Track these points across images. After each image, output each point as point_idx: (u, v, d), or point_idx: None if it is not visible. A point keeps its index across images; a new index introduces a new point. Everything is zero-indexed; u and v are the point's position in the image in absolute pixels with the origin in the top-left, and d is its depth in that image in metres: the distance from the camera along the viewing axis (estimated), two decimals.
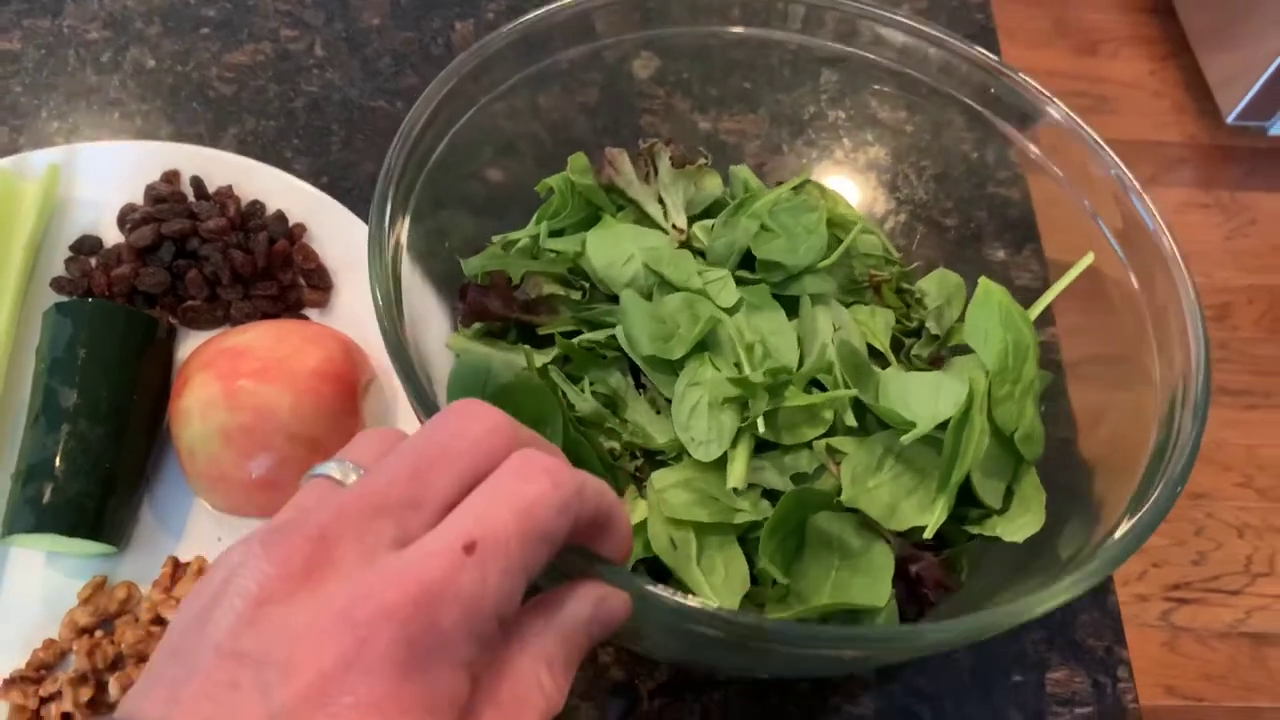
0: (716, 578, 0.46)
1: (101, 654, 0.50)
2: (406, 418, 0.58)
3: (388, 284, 0.46)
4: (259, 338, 0.55)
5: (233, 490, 0.54)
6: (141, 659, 0.50)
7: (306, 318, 0.61)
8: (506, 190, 0.60)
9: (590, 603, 0.32)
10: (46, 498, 0.50)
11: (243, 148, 0.67)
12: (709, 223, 0.56)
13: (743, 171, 0.60)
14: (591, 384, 0.51)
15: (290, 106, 0.69)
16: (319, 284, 0.61)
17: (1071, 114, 0.57)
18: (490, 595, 0.28)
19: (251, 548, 0.28)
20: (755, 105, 0.69)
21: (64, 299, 0.59)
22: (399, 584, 0.27)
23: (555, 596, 0.32)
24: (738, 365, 0.50)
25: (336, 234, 0.62)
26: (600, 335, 0.51)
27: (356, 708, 0.25)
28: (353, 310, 0.61)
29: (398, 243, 0.49)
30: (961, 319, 0.58)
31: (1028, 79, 0.59)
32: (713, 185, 0.59)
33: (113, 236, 0.62)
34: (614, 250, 0.53)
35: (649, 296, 0.52)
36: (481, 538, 0.28)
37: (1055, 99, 0.58)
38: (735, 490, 0.47)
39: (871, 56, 0.62)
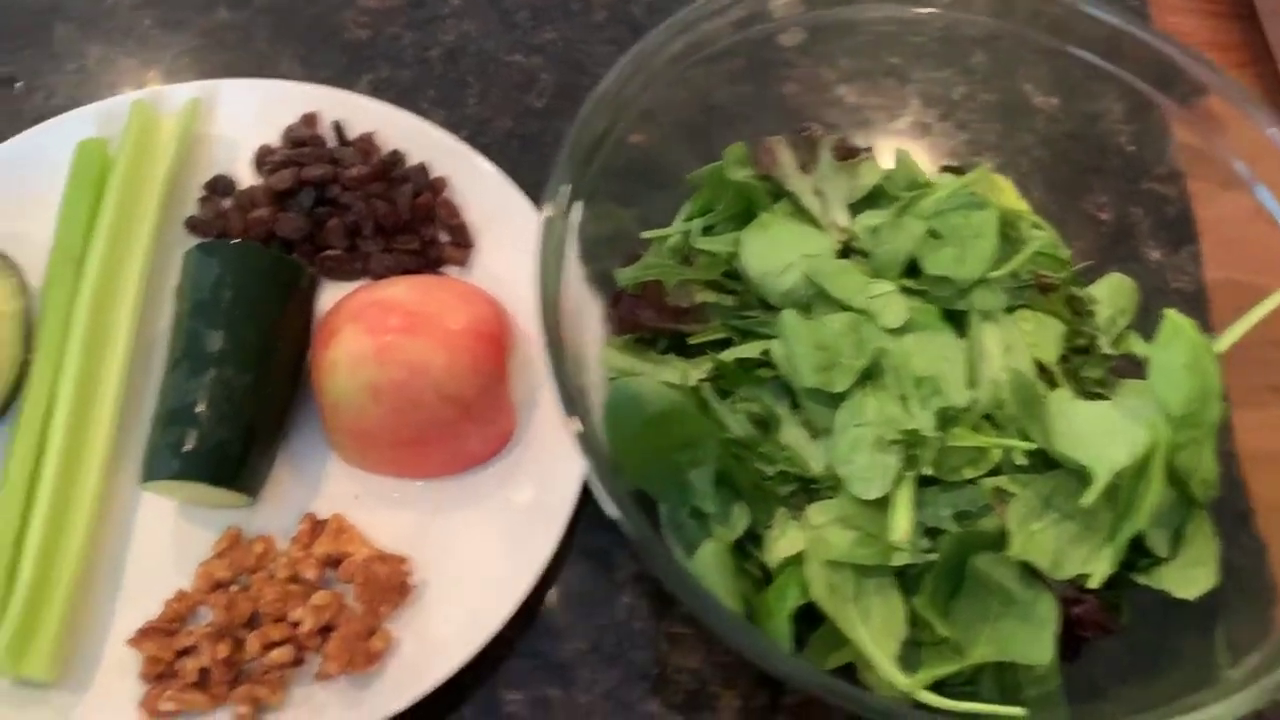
0: (874, 623, 0.44)
1: (239, 610, 0.48)
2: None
3: (554, 280, 0.44)
4: (409, 292, 0.53)
5: (376, 448, 0.52)
6: (279, 618, 0.48)
7: (445, 275, 0.58)
8: (651, 168, 0.58)
9: None
10: (190, 444, 0.48)
11: (376, 95, 0.65)
12: (871, 221, 0.53)
13: (905, 159, 0.57)
14: (743, 400, 0.49)
15: (425, 56, 0.67)
16: (461, 241, 0.59)
17: (1267, 111, 0.54)
18: None
19: None
20: (904, 81, 0.66)
21: (203, 240, 0.57)
22: None
23: None
24: (903, 398, 0.47)
25: (479, 190, 0.60)
26: (754, 349, 0.49)
27: None
28: (493, 270, 0.58)
29: (562, 235, 0.46)
30: (1132, 327, 0.55)
31: (1210, 61, 0.56)
32: (870, 173, 0.56)
33: (247, 178, 0.60)
34: (772, 256, 0.51)
35: (808, 308, 0.50)
36: None
37: (1242, 88, 0.55)
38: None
39: (1028, 33, 0.59)
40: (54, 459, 0.49)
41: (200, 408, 0.49)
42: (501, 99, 0.66)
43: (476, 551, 0.52)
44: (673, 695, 0.51)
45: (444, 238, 0.59)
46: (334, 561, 0.50)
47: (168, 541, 0.51)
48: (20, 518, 0.49)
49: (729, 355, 0.49)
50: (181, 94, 0.60)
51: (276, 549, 0.50)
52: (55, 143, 0.58)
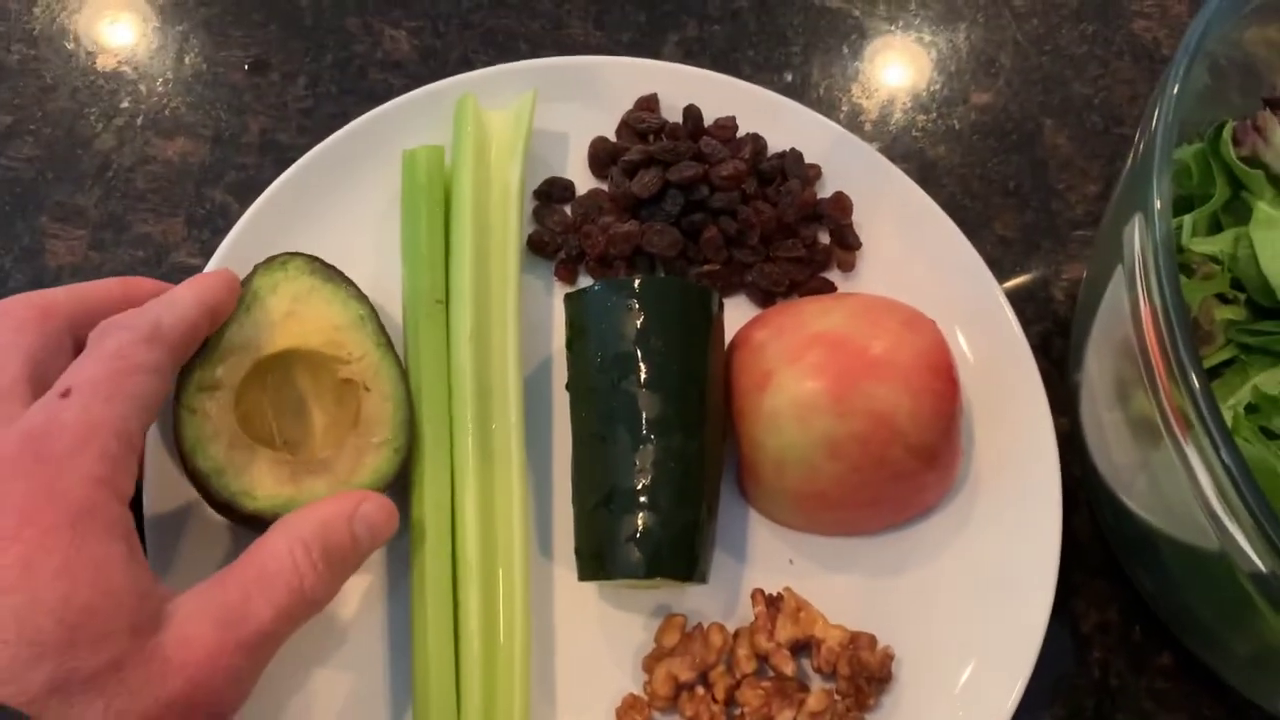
0: None
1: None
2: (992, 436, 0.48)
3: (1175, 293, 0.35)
4: (849, 321, 0.44)
5: (823, 508, 0.45)
6: None
7: (833, 285, 0.50)
8: None
9: (350, 502, 0.36)
10: (654, 535, 0.40)
11: (689, 59, 0.55)
12: None
13: None
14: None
15: (734, 6, 0.57)
16: (849, 242, 0.50)
17: None
18: (95, 418, 0.31)
19: None
20: None
21: (549, 258, 0.48)
22: (2, 444, 0.31)
23: (320, 500, 0.37)
24: None
25: (856, 177, 0.51)
26: None
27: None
28: (881, 276, 0.50)
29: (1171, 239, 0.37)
30: None
31: None
32: None
33: (578, 179, 0.51)
34: None
35: None
36: (75, 384, 0.32)
37: None
38: None
39: None
40: (472, 554, 0.41)
41: (657, 488, 0.41)
42: (827, 56, 0.57)
43: (946, 618, 0.45)
44: None
45: (823, 238, 0.50)
46: (799, 646, 0.43)
47: (594, 631, 0.44)
48: (451, 626, 0.41)
49: (1268, 384, 0.42)
50: (487, 80, 0.50)
51: (730, 639, 0.43)
52: (361, 148, 0.49)
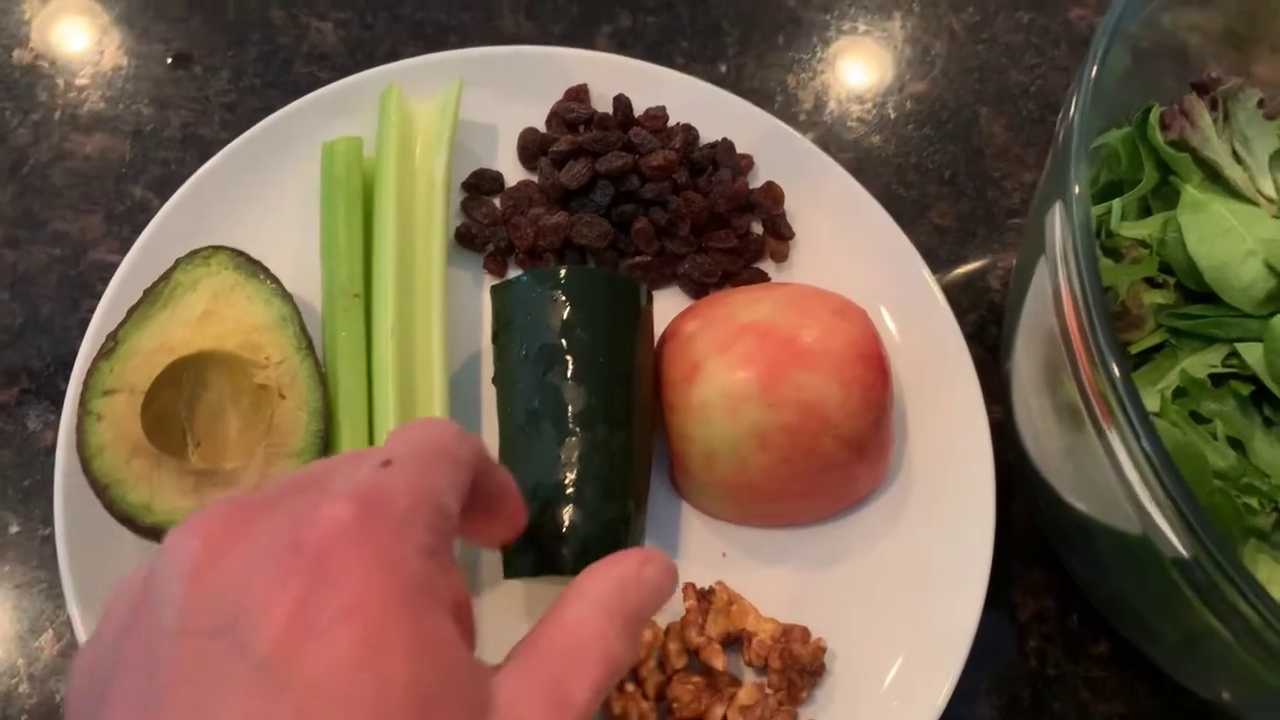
0: None
1: (643, 717, 0.41)
2: (928, 420, 0.47)
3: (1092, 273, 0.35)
4: (779, 310, 0.44)
5: (754, 500, 0.44)
6: None
7: (766, 275, 0.49)
8: None
9: (635, 561, 0.32)
10: (580, 531, 0.40)
11: (623, 50, 0.54)
12: None
13: None
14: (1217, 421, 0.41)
15: None
16: (781, 232, 0.49)
17: None
18: (421, 488, 0.29)
19: (166, 540, 0.27)
20: None
21: (476, 251, 0.47)
22: (335, 499, 0.27)
23: (602, 561, 0.33)
24: None
25: (789, 167, 0.50)
26: (1214, 358, 0.42)
27: (343, 618, 0.25)
28: (814, 266, 0.50)
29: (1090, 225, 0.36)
30: None
31: None
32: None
33: (508, 170, 0.50)
34: (1223, 244, 0.42)
35: (1268, 302, 0.42)
36: (395, 455, 0.29)
37: None
38: None
39: None
40: None
41: (582, 483, 0.40)
42: (764, 45, 0.56)
43: (880, 609, 0.44)
44: None
45: (756, 228, 0.50)
46: (730, 640, 0.43)
47: (522, 627, 0.43)
48: None
49: (1195, 368, 0.42)
50: (413, 71, 0.49)
51: (660, 634, 0.43)
52: (284, 140, 0.48)
